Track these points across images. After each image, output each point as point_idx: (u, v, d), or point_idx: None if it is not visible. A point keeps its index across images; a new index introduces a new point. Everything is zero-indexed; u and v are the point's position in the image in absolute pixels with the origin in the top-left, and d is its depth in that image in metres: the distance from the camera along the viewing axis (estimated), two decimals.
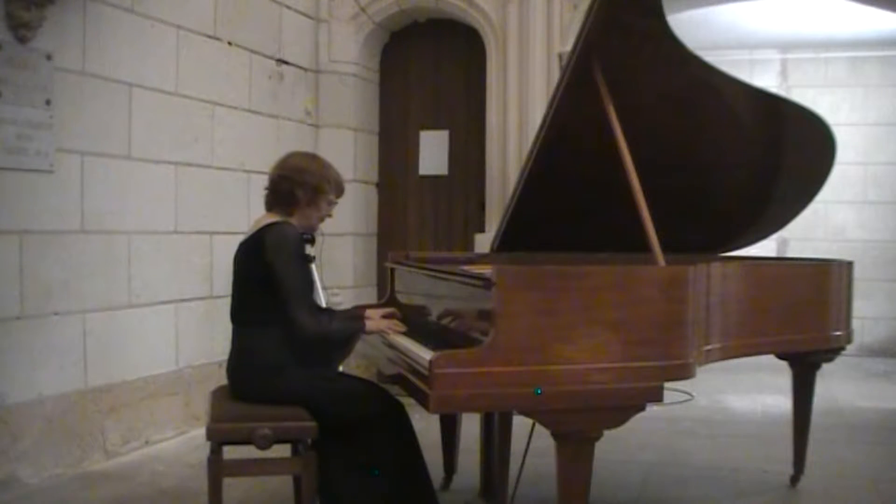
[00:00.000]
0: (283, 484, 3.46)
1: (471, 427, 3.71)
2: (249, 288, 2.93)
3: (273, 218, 2.96)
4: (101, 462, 4.21)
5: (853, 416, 5.46)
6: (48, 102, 3.92)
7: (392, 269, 3.72)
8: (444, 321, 2.96)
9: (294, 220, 2.99)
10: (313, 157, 3.10)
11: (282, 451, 2.91)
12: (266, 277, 2.82)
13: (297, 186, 2.96)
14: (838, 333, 3.60)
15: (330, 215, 3.10)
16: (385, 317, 3.16)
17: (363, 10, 6.24)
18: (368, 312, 3.20)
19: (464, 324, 2.75)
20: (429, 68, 6.49)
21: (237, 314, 2.97)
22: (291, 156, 3.11)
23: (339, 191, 3.07)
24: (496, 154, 5.99)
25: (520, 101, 5.90)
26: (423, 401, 2.37)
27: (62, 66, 4.00)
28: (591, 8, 2.85)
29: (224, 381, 3.07)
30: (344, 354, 3.26)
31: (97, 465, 4.16)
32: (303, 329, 2.80)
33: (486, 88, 6.04)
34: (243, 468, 2.85)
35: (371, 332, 3.06)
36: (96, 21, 4.19)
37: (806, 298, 3.44)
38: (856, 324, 3.82)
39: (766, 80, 8.37)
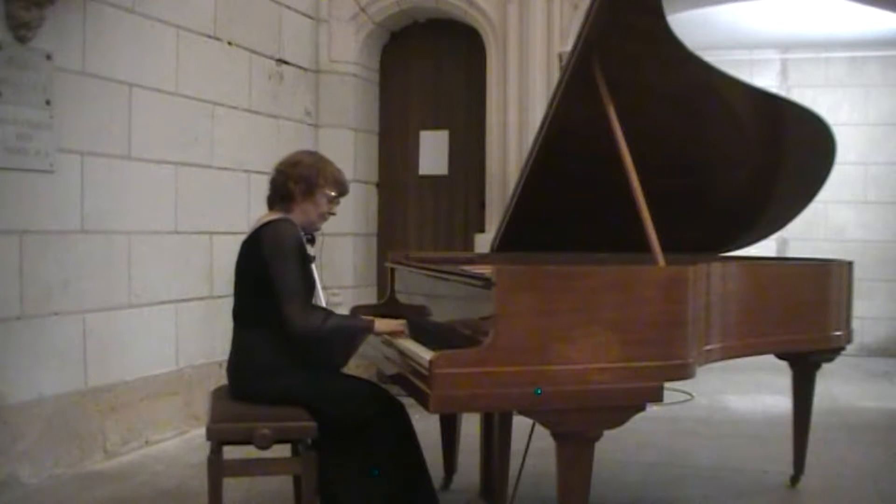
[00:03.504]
0: (283, 484, 3.46)
1: (471, 427, 3.71)
2: (249, 287, 2.93)
3: (273, 216, 2.96)
4: (101, 462, 4.21)
5: (853, 416, 5.46)
6: (48, 102, 3.92)
7: (392, 269, 3.72)
8: (444, 321, 2.96)
9: (294, 217, 2.98)
10: (311, 153, 3.10)
11: (282, 451, 2.90)
12: (264, 276, 2.82)
13: (290, 179, 2.97)
14: (838, 333, 3.60)
15: (332, 213, 3.09)
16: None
17: (363, 10, 6.24)
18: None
19: (463, 324, 2.75)
20: (429, 68, 6.49)
21: (238, 314, 2.97)
22: (292, 153, 3.13)
23: (339, 186, 3.05)
24: (496, 154, 5.98)
25: (520, 101, 5.89)
26: (423, 401, 2.38)
27: (62, 66, 4.00)
28: (591, 8, 2.85)
29: (224, 381, 3.07)
30: (347, 356, 3.24)
31: (97, 465, 4.16)
32: (292, 327, 2.77)
33: (486, 88, 6.04)
34: (243, 468, 2.85)
35: (381, 333, 2.99)
36: (96, 21, 4.19)
37: (806, 298, 3.44)
38: (856, 324, 3.82)
39: (766, 80, 8.37)
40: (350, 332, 3.01)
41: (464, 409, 3.01)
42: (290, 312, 2.77)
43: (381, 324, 2.97)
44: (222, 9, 5.13)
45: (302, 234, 2.95)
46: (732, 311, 3.00)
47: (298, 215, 2.99)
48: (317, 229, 3.10)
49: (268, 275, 2.81)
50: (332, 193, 3.03)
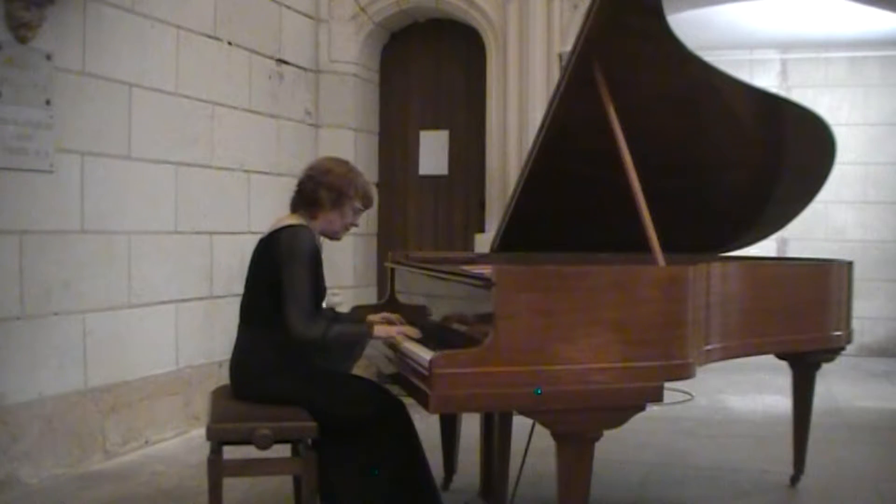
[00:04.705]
0: (283, 484, 3.46)
1: (471, 427, 3.71)
2: (259, 286, 2.93)
3: (294, 219, 2.95)
4: (101, 462, 4.21)
5: (853, 416, 5.46)
6: (48, 102, 3.92)
7: (392, 269, 3.72)
8: (444, 321, 2.96)
9: (318, 224, 2.98)
10: (344, 162, 3.07)
11: (282, 451, 2.91)
12: (274, 278, 2.81)
13: (322, 187, 2.94)
14: (838, 333, 3.60)
15: (356, 224, 3.08)
16: (389, 321, 3.13)
17: (363, 10, 6.24)
18: (370, 318, 3.17)
19: (463, 324, 2.75)
20: (429, 68, 6.49)
21: (245, 311, 2.97)
22: (323, 159, 3.12)
23: (367, 199, 3.04)
24: (496, 154, 5.99)
25: (520, 101, 5.90)
26: (423, 401, 2.37)
27: (62, 66, 4.00)
28: (591, 8, 2.85)
29: (224, 380, 3.07)
30: (350, 360, 3.24)
31: (97, 465, 4.16)
32: (294, 334, 2.76)
33: (486, 88, 6.05)
34: (243, 468, 2.85)
35: (379, 338, 2.97)
36: (96, 21, 4.20)
37: (806, 298, 3.44)
38: (856, 324, 3.82)
39: (766, 80, 8.37)
40: (353, 336, 3.00)
41: (464, 409, 3.01)
42: (293, 319, 2.76)
43: (380, 330, 2.94)
44: (222, 9, 5.13)
45: (319, 240, 2.97)
46: (732, 311, 3.00)
47: (322, 223, 2.99)
48: (338, 239, 3.09)
49: (278, 277, 2.80)
50: (360, 206, 3.03)
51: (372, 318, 3.15)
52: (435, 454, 3.61)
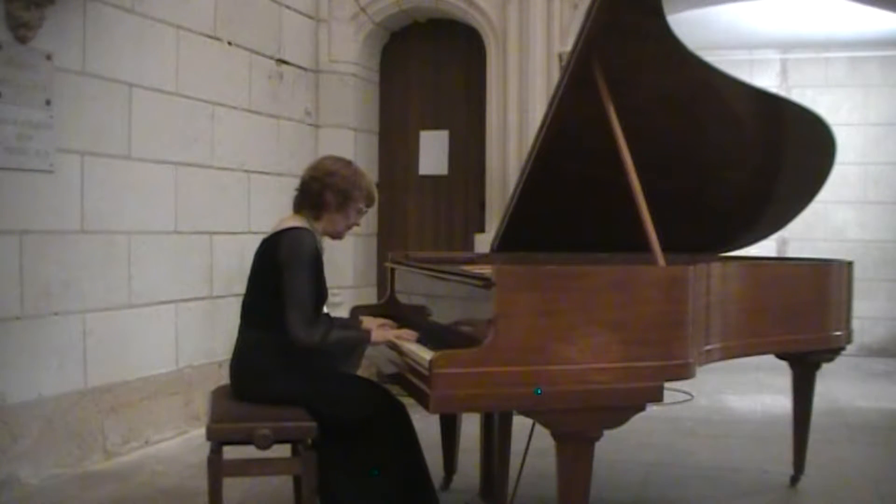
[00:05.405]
0: (283, 484, 3.46)
1: (471, 427, 3.71)
2: (260, 287, 2.93)
3: (297, 221, 2.94)
4: (101, 462, 4.21)
5: (853, 416, 5.46)
6: (48, 102, 3.92)
7: (392, 269, 3.72)
8: (444, 321, 2.96)
9: (321, 225, 2.98)
10: (347, 163, 3.06)
11: (282, 451, 2.91)
12: (275, 280, 2.82)
13: (328, 189, 2.94)
14: (838, 333, 3.61)
15: (357, 224, 3.08)
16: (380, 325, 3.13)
17: (363, 10, 6.24)
18: (366, 323, 3.17)
19: (463, 324, 2.75)
20: (429, 68, 6.49)
21: (246, 312, 2.97)
22: (325, 158, 3.10)
23: (370, 200, 3.05)
24: (496, 154, 5.99)
25: (520, 101, 5.90)
26: (423, 401, 2.38)
27: (62, 66, 4.00)
28: (591, 8, 2.86)
29: (224, 380, 3.06)
30: (351, 363, 3.23)
31: (97, 465, 4.16)
32: (295, 339, 2.77)
33: (486, 88, 6.04)
34: (243, 468, 2.85)
35: (377, 344, 2.99)
36: (96, 21, 4.19)
37: (806, 298, 3.44)
38: (856, 324, 3.82)
39: (766, 80, 8.37)
40: (351, 343, 3.02)
41: (464, 409, 3.01)
42: (293, 323, 2.77)
43: (378, 335, 2.95)
44: (222, 9, 5.13)
45: (321, 241, 2.97)
46: (732, 311, 3.00)
47: (325, 223, 2.99)
48: (340, 238, 3.09)
49: (279, 280, 2.80)
50: (364, 207, 3.03)
51: (368, 324, 3.15)
52: (435, 454, 3.62)
